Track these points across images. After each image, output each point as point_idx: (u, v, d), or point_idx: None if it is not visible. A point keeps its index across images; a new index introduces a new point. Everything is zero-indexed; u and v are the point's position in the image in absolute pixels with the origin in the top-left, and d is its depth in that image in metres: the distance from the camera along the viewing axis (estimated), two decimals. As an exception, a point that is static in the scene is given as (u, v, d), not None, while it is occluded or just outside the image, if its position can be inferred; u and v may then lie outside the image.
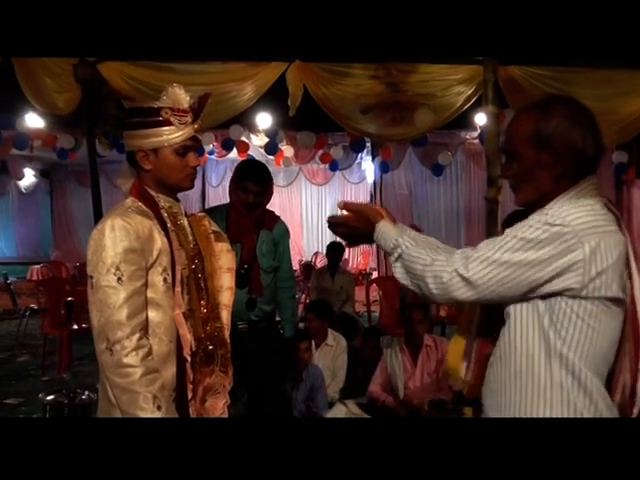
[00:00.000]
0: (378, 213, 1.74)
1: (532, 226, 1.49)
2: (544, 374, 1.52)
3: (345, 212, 1.80)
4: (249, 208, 3.35)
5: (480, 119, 6.64)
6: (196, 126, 1.96)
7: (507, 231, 1.54)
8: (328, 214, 13.88)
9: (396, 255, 1.63)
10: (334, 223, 1.80)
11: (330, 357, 4.83)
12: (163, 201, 1.99)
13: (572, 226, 1.46)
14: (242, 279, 3.30)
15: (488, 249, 1.51)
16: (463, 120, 6.41)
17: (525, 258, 1.47)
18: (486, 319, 1.68)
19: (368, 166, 11.33)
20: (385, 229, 1.68)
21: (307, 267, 9.99)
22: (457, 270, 1.51)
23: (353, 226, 1.75)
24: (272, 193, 3.50)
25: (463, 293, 1.52)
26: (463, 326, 1.80)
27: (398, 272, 1.64)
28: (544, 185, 1.57)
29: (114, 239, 1.81)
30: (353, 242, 1.88)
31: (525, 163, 1.59)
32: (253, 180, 3.34)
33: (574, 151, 1.54)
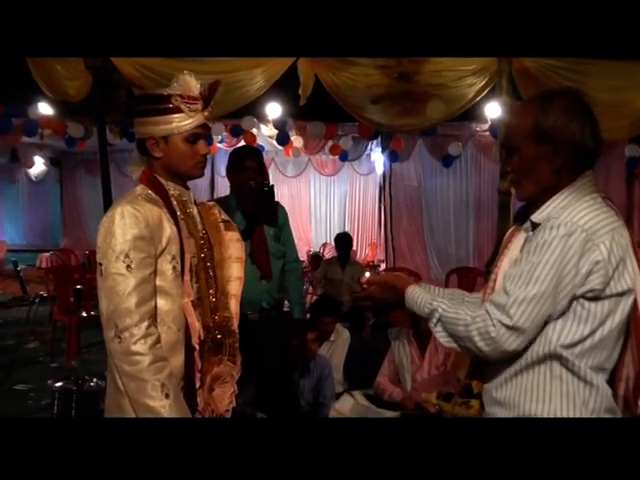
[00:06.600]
0: (403, 279, 1.76)
1: (551, 244, 1.48)
2: (544, 370, 1.54)
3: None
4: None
5: (491, 111, 6.57)
6: (206, 113, 1.95)
7: (525, 256, 1.52)
8: (337, 206, 13.90)
9: (435, 320, 1.62)
10: (359, 298, 1.84)
11: (330, 351, 4.80)
12: (173, 189, 1.98)
13: (586, 229, 1.47)
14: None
15: (519, 288, 1.49)
16: (474, 112, 6.36)
17: (558, 280, 1.48)
18: None
19: (377, 157, 11.27)
20: (415, 294, 1.68)
21: (315, 258, 9.92)
22: (500, 321, 1.49)
23: (380, 298, 1.77)
24: (267, 173, 3.64)
25: (513, 342, 1.50)
26: None
27: (442, 337, 1.62)
28: (544, 179, 1.59)
29: (124, 226, 1.80)
30: (383, 312, 1.92)
31: (525, 157, 1.60)
32: (249, 156, 3.49)
33: (573, 143, 1.56)
